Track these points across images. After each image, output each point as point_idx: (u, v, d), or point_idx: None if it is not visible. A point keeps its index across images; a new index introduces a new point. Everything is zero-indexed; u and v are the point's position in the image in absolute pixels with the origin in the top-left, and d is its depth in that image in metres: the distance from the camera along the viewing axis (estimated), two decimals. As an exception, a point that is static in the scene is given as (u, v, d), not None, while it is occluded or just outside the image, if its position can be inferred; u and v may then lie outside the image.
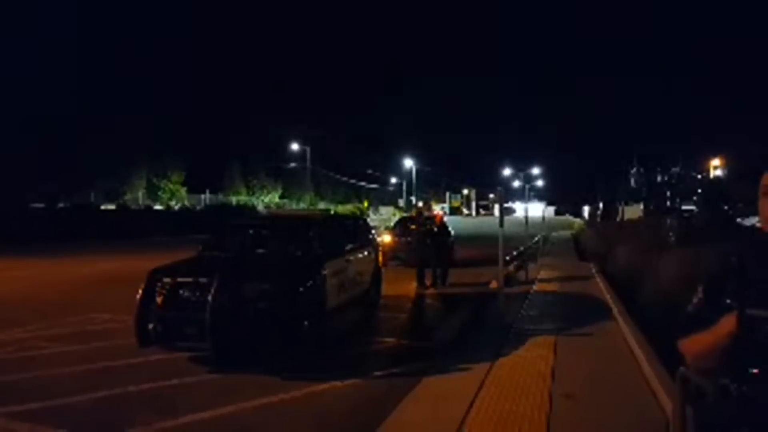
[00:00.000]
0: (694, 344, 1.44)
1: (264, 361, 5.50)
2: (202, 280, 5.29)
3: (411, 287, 11.02)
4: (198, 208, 42.49)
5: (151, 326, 5.28)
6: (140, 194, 42.43)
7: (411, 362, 5.73)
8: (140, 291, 5.44)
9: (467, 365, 5.28)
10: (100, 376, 5.16)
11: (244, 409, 4.33)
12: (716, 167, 61.09)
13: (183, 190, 45.80)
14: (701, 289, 1.49)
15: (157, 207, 41.32)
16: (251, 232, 7.85)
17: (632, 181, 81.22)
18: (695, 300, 1.50)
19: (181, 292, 5.35)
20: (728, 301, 1.36)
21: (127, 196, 41.04)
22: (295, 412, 4.33)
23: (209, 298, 5.05)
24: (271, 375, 5.18)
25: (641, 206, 60.43)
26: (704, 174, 64.34)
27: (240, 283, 5.36)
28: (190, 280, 5.39)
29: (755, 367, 1.28)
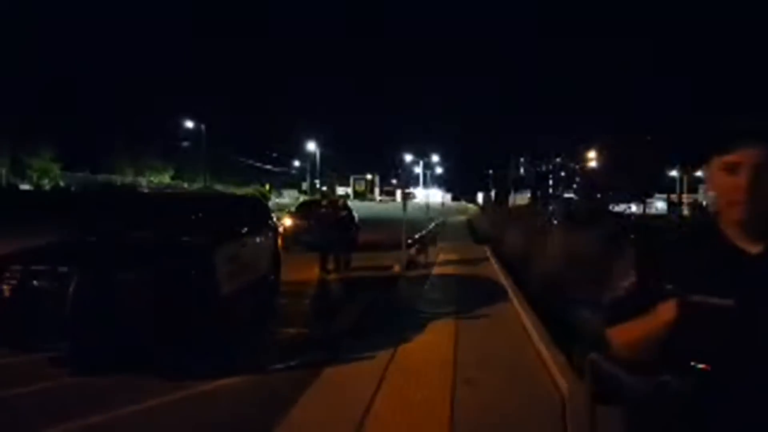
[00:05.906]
0: (625, 333, 1.26)
1: (141, 361, 4.83)
2: (62, 268, 4.49)
3: (313, 272, 10.65)
4: (74, 188, 38.24)
5: (-3, 324, 4.41)
6: (2, 172, 37.26)
7: (312, 352, 5.40)
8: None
9: (370, 353, 5.09)
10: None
11: (116, 417, 3.71)
12: (591, 159, 67.26)
13: (56, 168, 41.04)
14: (633, 272, 1.31)
15: (25, 186, 36.63)
16: (129, 212, 6.96)
17: (521, 170, 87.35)
18: (626, 283, 1.32)
19: (35, 282, 4.51)
20: (669, 286, 1.20)
21: (-15, 174, 35.80)
22: (177, 419, 3.81)
23: (70, 289, 4.29)
24: (150, 377, 4.55)
25: (529, 194, 65.10)
26: (582, 165, 70.78)
27: (110, 270, 4.64)
28: (47, 268, 4.57)
29: (703, 363, 1.13)
